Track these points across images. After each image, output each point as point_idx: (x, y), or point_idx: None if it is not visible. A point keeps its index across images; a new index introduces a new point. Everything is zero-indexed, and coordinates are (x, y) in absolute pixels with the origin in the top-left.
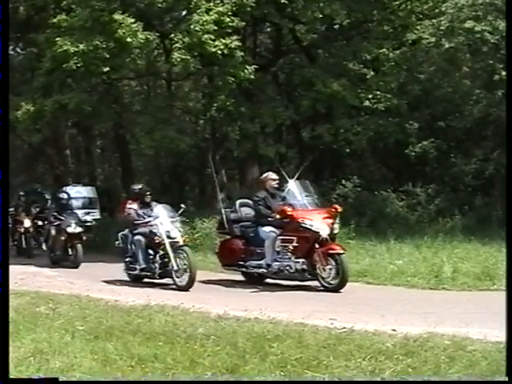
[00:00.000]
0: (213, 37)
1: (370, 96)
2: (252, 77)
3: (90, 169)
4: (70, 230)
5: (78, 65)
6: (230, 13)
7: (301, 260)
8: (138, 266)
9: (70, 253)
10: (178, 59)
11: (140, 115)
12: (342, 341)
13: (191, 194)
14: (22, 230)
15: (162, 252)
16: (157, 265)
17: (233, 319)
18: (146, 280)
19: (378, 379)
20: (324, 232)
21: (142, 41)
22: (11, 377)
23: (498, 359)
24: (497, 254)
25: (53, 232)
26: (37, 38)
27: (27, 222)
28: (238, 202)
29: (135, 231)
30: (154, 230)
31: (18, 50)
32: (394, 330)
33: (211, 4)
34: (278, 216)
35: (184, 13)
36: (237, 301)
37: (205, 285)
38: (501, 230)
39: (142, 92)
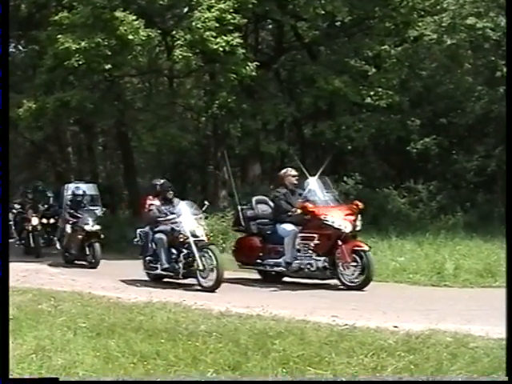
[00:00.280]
0: (214, 34)
1: (372, 93)
2: (254, 74)
3: (91, 166)
4: (87, 227)
5: (80, 62)
6: (231, 10)
7: (322, 258)
8: (159, 266)
9: (88, 252)
10: (180, 56)
11: (142, 112)
12: (344, 338)
13: (193, 191)
14: (30, 228)
15: (185, 251)
16: (181, 264)
17: (235, 316)
18: (166, 280)
19: (380, 376)
20: (347, 229)
21: (143, 38)
22: (12, 376)
23: (500, 356)
24: (499, 250)
25: (68, 230)
26: (38, 35)
27: (35, 220)
28: (254, 199)
29: (156, 229)
30: (177, 228)
31: (20, 47)
32: (395, 327)
33: (213, 1)
34: (299, 211)
35: (186, 10)
36: (239, 298)
37: None
38: (503, 227)
39: (144, 89)
